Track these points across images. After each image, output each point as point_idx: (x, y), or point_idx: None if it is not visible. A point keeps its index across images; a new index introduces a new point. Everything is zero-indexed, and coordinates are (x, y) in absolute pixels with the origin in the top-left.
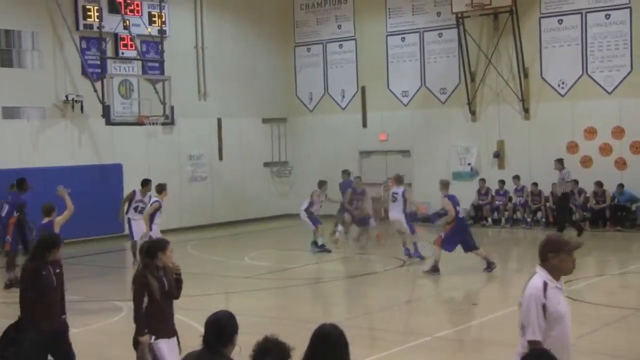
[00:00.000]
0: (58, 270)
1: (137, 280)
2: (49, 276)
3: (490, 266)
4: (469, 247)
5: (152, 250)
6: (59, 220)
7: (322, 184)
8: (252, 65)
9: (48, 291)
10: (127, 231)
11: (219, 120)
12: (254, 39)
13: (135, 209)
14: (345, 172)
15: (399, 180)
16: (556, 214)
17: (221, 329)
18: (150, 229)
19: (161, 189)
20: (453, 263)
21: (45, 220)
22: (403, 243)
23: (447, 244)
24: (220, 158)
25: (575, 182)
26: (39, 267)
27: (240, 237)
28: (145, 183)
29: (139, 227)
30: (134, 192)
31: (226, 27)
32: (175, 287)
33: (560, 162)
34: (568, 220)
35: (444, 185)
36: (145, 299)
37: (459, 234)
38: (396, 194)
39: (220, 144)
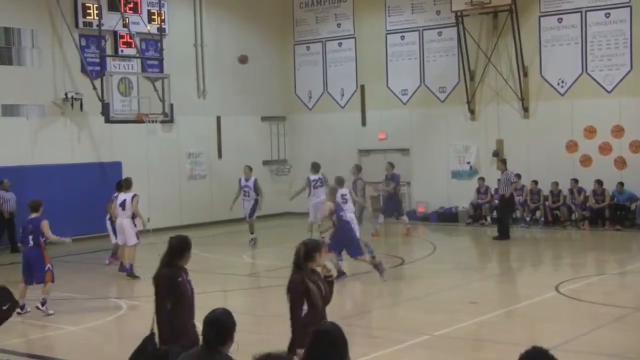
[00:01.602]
0: (189, 277)
1: (294, 287)
2: (184, 283)
3: (381, 274)
4: (354, 253)
5: (310, 252)
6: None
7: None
8: (251, 63)
9: (186, 300)
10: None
11: (218, 118)
12: (253, 37)
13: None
14: (357, 168)
15: (340, 182)
16: (499, 217)
17: (220, 326)
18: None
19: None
20: (451, 261)
21: (33, 215)
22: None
23: (332, 247)
24: (219, 156)
25: (575, 180)
26: (175, 274)
27: (239, 235)
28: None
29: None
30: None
31: (225, 25)
32: (329, 290)
33: (503, 162)
34: (508, 224)
35: (331, 191)
36: (305, 307)
37: (342, 238)
38: (345, 195)
39: (219, 142)
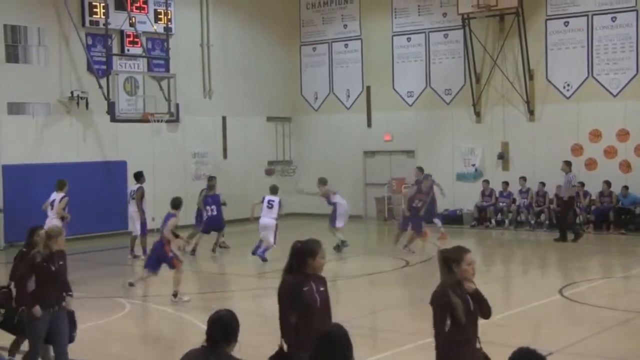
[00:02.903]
0: (322, 288)
1: (437, 299)
2: (311, 293)
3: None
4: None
5: (450, 258)
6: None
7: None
8: (258, 64)
9: (314, 312)
10: (130, 227)
11: (224, 119)
12: (259, 37)
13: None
14: (420, 169)
15: (274, 190)
16: (560, 218)
17: (224, 327)
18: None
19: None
20: None
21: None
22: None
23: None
24: (225, 156)
25: (582, 184)
26: (301, 282)
27: (244, 235)
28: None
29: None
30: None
31: (232, 25)
32: (483, 304)
33: (568, 164)
34: (571, 226)
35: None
36: (448, 322)
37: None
38: (272, 201)
39: (225, 142)
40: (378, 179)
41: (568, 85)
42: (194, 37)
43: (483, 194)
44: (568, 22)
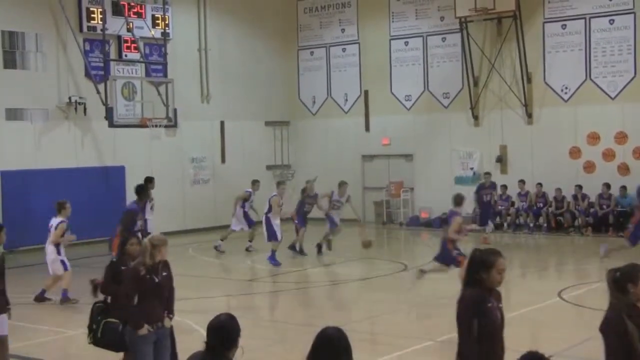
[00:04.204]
0: (501, 304)
1: (611, 326)
2: (494, 310)
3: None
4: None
5: (624, 280)
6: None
7: (342, 184)
8: (255, 68)
9: (494, 330)
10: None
11: (222, 123)
12: (257, 41)
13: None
14: (488, 175)
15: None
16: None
17: (224, 332)
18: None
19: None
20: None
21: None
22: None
23: None
24: (223, 161)
25: (580, 187)
26: (483, 298)
27: (242, 240)
28: (149, 180)
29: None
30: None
31: (229, 30)
32: None
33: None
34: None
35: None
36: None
37: None
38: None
39: (223, 147)
40: (376, 182)
41: (566, 88)
42: (191, 42)
43: None
44: (565, 25)
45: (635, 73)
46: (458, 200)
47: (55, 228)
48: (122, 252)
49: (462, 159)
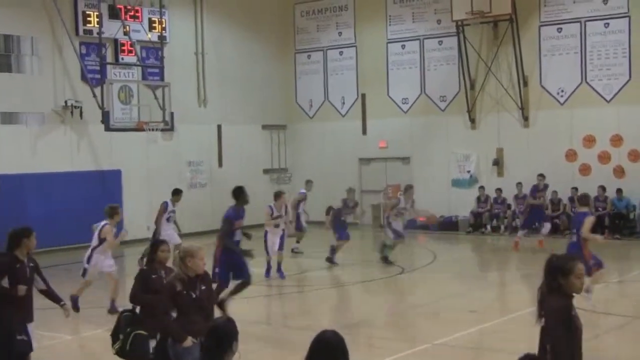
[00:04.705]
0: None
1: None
2: (577, 318)
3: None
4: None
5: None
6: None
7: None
8: (252, 72)
9: (577, 339)
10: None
11: (219, 127)
12: (254, 45)
13: (168, 219)
14: (541, 177)
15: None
16: None
17: (221, 336)
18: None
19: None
20: (452, 270)
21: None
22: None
23: None
24: (220, 165)
25: (576, 189)
26: (569, 306)
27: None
28: (177, 192)
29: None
30: (166, 203)
31: (226, 33)
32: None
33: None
34: None
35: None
36: None
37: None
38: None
39: (220, 151)
40: (374, 185)
41: (562, 91)
42: (188, 45)
43: (479, 200)
44: (561, 29)
45: (630, 76)
46: (586, 200)
47: (100, 232)
48: (151, 259)
49: (459, 161)
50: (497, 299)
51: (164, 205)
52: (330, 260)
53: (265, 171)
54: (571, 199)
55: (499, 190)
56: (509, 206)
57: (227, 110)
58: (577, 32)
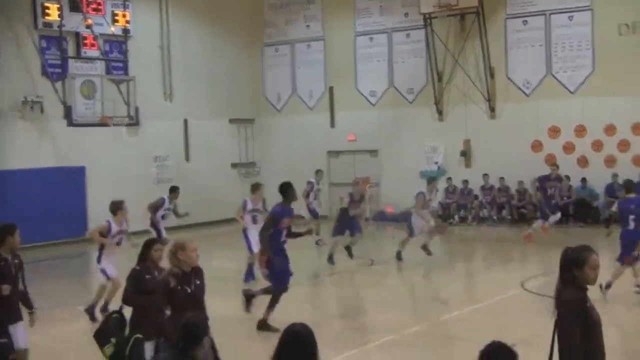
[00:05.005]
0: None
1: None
2: (592, 309)
3: None
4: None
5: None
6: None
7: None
8: (219, 66)
9: (596, 331)
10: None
11: (185, 121)
12: (221, 38)
13: (162, 217)
14: (555, 167)
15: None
16: None
17: (191, 332)
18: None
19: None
20: (419, 261)
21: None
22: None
23: None
24: (187, 159)
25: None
26: (584, 299)
27: (207, 239)
28: (174, 190)
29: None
30: (163, 199)
31: (192, 26)
32: None
33: None
34: None
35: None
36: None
37: None
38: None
39: (187, 145)
40: (343, 178)
41: (528, 83)
42: (153, 38)
43: (446, 191)
44: (527, 21)
45: (593, 67)
46: (633, 186)
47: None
48: (144, 259)
49: (427, 153)
50: (465, 288)
51: (161, 201)
52: (351, 255)
53: (234, 165)
54: (537, 189)
55: (465, 181)
56: (475, 197)
57: (193, 105)
58: (542, 24)
